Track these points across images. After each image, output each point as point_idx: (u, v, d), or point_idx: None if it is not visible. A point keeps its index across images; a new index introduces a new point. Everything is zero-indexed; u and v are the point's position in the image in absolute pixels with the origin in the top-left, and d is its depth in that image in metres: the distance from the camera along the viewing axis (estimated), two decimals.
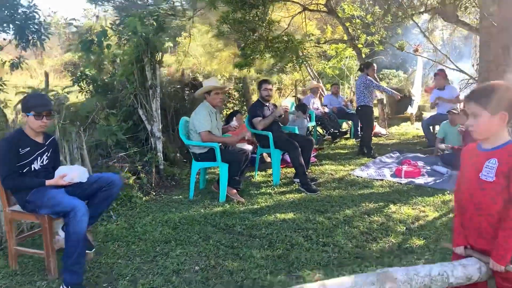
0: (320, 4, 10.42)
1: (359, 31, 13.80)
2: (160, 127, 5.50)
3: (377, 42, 14.17)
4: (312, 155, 6.42)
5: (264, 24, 6.54)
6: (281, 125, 5.68)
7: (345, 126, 9.75)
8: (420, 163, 6.33)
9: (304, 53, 10.46)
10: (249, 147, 5.21)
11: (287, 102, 5.37)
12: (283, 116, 5.55)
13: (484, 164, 1.82)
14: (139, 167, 5.07)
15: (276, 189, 5.09)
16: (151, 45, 5.09)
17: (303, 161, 5.03)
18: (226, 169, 4.61)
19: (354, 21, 12.58)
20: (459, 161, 2.01)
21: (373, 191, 4.95)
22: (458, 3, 9.25)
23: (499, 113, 1.76)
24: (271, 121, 5.31)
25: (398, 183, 5.29)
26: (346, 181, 5.38)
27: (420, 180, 5.40)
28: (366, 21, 13.08)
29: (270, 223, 3.91)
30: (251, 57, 5.95)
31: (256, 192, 4.99)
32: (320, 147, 7.90)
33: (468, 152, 1.99)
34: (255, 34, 6.62)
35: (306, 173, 5.22)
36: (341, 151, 7.69)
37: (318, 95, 9.20)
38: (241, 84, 8.52)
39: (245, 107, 8.69)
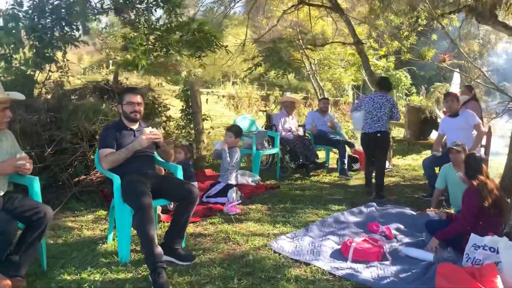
0: None
1: (385, 36, 11.41)
2: None
3: (405, 50, 11.71)
4: (235, 203, 4.32)
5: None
6: (159, 161, 3.63)
7: (323, 155, 7.45)
8: (396, 232, 4.06)
9: (291, 57, 8.33)
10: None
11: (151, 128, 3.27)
12: (161, 148, 3.53)
13: None
14: None
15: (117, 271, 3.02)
16: None
17: (152, 232, 2.91)
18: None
19: (376, 23, 10.28)
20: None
21: None
22: None
23: None
24: (126, 156, 3.27)
25: (330, 275, 3.06)
26: (245, 263, 3.20)
27: (371, 272, 3.16)
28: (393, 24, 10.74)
29: None
30: (141, 51, 3.97)
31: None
32: (273, 184, 5.72)
33: None
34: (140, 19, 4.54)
35: (176, 247, 3.17)
36: (302, 192, 5.46)
37: (294, 112, 7.01)
38: (187, 91, 6.46)
39: (191, 126, 6.63)
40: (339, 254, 3.49)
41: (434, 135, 9.56)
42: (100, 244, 3.46)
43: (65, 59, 5.97)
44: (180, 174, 3.48)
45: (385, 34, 11.24)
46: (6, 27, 5.17)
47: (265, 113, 7.12)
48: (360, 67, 11.97)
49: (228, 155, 4.76)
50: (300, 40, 8.67)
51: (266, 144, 6.07)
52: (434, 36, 11.74)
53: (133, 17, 4.60)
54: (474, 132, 5.22)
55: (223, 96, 18.55)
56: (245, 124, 6.46)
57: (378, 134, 5.27)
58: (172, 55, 4.69)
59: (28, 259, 2.66)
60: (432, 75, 25.39)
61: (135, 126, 3.47)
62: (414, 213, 4.58)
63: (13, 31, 5.17)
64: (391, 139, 6.79)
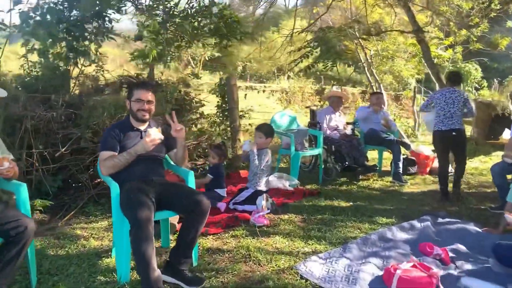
0: None
1: (451, 23, 10.29)
2: None
3: (474, 39, 10.53)
4: (263, 213, 3.81)
5: None
6: (172, 165, 3.18)
7: (375, 156, 6.66)
8: (455, 255, 3.33)
9: (343, 47, 7.60)
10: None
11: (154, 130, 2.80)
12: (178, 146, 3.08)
13: None
14: None
15: None
16: None
17: (149, 252, 2.45)
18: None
19: (440, 9, 9.30)
20: None
21: None
22: None
23: None
24: (127, 161, 2.84)
25: None
26: None
27: None
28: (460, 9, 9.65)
29: None
30: (155, 41, 3.52)
31: None
32: (313, 190, 5.11)
33: None
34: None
35: (182, 268, 2.70)
36: (346, 200, 4.80)
37: (341, 108, 6.31)
38: (223, 86, 5.96)
39: (228, 123, 6.12)
40: (380, 283, 2.85)
41: (506, 134, 8.42)
42: (103, 258, 3.07)
43: (98, 53, 5.74)
44: (191, 181, 3.01)
45: (451, 22, 10.10)
46: (44, 20, 4.95)
47: (309, 109, 6.47)
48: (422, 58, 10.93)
49: (256, 157, 4.23)
50: (354, 29, 7.89)
51: (306, 144, 5.46)
52: (510, 23, 10.42)
53: (148, 2, 4.20)
54: None
55: (275, 91, 18.03)
56: (284, 121, 5.89)
57: (453, 133, 4.82)
58: (193, 45, 4.21)
59: (4, 280, 2.31)
60: (507, 67, 23.18)
61: (143, 127, 3.03)
62: (480, 230, 3.82)
63: (50, 25, 4.97)
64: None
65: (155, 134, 2.80)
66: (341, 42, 7.78)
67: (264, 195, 4.12)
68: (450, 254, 3.30)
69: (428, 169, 6.45)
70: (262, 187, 4.30)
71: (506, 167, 4.49)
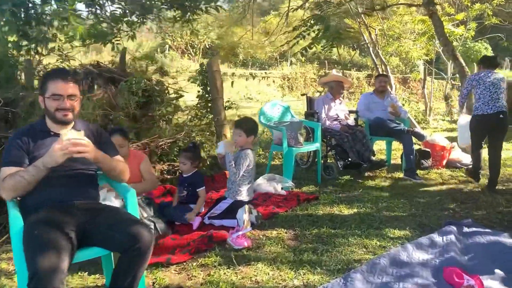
0: None
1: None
2: None
3: (490, 13, 9.60)
4: (244, 231, 3.04)
5: None
6: (109, 180, 2.38)
7: (381, 148, 5.83)
8: (493, 284, 2.53)
9: (345, 26, 6.70)
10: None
11: (72, 133, 2.01)
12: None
13: None
14: None
15: None
16: None
17: None
18: None
19: None
20: None
21: None
22: None
23: None
24: (35, 178, 2.02)
25: None
26: None
27: None
28: None
29: None
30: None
31: None
32: (309, 194, 4.27)
33: None
34: None
35: None
36: (348, 206, 3.98)
37: (342, 95, 5.46)
38: (205, 73, 5.07)
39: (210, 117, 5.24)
40: None
41: None
42: None
43: (57, 39, 4.93)
44: (132, 204, 2.20)
45: None
46: None
47: (304, 96, 5.59)
48: (432, 37, 9.99)
49: (233, 162, 3.40)
50: (356, 4, 6.96)
51: (301, 139, 4.64)
52: None
53: None
54: None
55: (275, 78, 17.11)
56: (275, 112, 5.05)
57: (501, 115, 4.38)
58: (147, 20, 3.39)
59: None
60: None
61: (66, 130, 2.21)
62: None
63: None
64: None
65: (72, 139, 1.98)
66: (341, 20, 6.92)
67: (246, 206, 3.31)
68: (486, 284, 2.50)
69: (444, 162, 5.61)
70: (243, 196, 3.49)
71: None
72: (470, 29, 10.86)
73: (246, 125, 3.52)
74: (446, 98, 11.64)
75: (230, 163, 3.38)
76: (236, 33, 18.19)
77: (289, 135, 4.50)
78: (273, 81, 17.18)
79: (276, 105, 5.11)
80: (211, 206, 3.54)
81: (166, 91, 4.78)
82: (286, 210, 3.80)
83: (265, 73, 17.88)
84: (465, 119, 4.87)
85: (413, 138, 5.16)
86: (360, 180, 4.88)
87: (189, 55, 20.94)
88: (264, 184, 4.24)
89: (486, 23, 9.30)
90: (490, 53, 16.35)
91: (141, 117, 4.52)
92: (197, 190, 3.53)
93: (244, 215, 3.21)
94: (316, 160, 5.01)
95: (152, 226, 2.99)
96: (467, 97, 4.91)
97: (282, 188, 4.28)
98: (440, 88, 15.88)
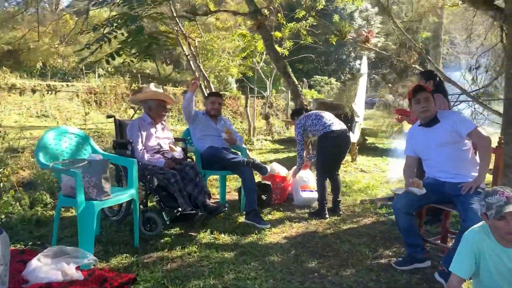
0: None
1: (279, 15, 9.04)
2: None
3: (304, 32, 9.57)
4: None
5: None
6: None
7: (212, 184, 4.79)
8: None
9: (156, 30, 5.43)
10: None
11: None
12: None
13: None
14: None
15: None
16: None
17: None
18: None
19: None
20: None
21: None
22: None
23: None
24: None
25: None
26: None
27: None
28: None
29: None
30: None
31: None
32: (121, 276, 2.80)
33: None
34: None
35: None
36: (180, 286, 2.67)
37: (164, 118, 4.13)
38: None
39: None
40: None
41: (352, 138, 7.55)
42: None
43: None
44: None
45: (279, 13, 8.87)
46: None
47: (113, 119, 4.01)
48: (253, 53, 9.55)
49: None
50: (173, 6, 5.73)
51: (107, 186, 3.10)
52: (337, 17, 9.74)
53: None
54: (468, 146, 3.06)
55: (78, 93, 14.60)
56: (65, 144, 3.36)
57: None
58: None
59: None
60: (311, 68, 24.41)
61: None
62: None
63: None
64: None
65: None
66: (155, 23, 5.63)
67: None
68: None
69: (286, 195, 4.84)
70: None
71: (413, 200, 3.04)
72: (285, 48, 10.86)
73: None
74: (267, 117, 11.44)
75: None
76: (13, 35, 15.06)
77: (87, 182, 2.92)
78: (77, 95, 14.67)
79: (67, 133, 3.40)
80: None
81: None
82: None
83: (67, 85, 15.22)
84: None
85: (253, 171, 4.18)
86: (194, 234, 3.61)
87: None
88: (45, 266, 2.59)
89: (301, 42, 9.27)
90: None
91: None
92: None
93: None
94: (130, 211, 3.53)
95: None
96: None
97: (78, 268, 2.68)
98: (261, 106, 15.96)
